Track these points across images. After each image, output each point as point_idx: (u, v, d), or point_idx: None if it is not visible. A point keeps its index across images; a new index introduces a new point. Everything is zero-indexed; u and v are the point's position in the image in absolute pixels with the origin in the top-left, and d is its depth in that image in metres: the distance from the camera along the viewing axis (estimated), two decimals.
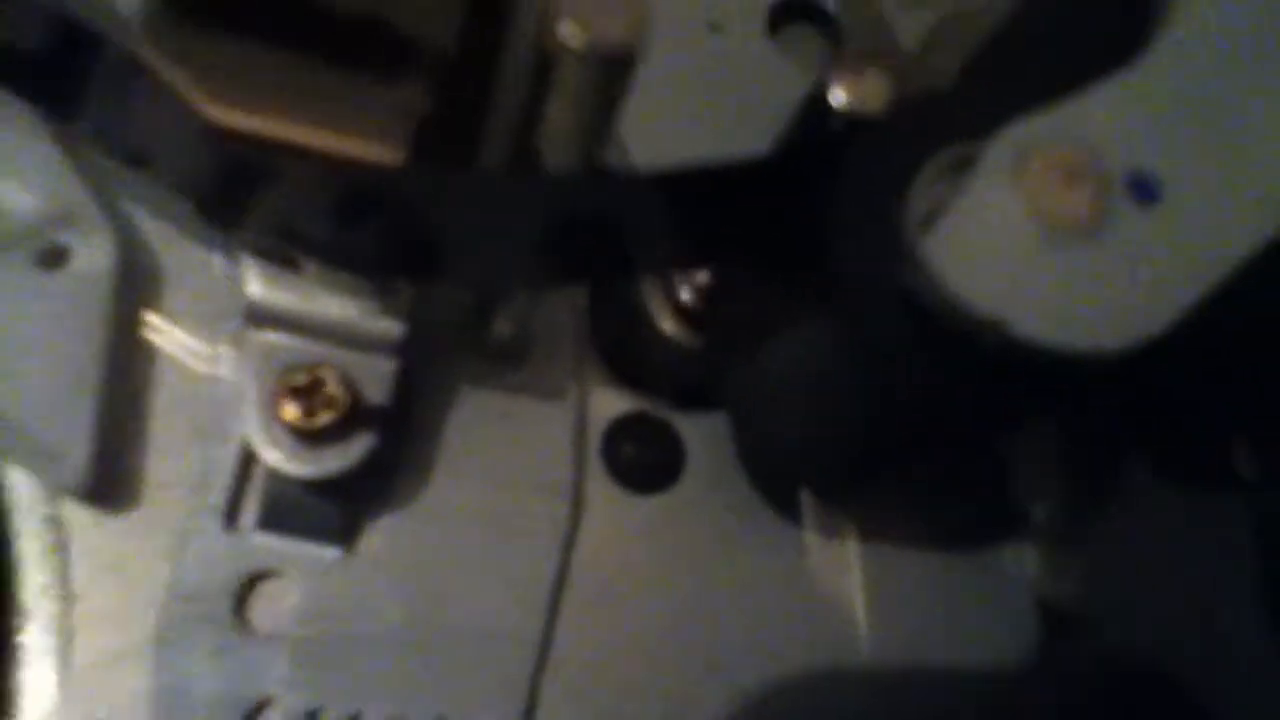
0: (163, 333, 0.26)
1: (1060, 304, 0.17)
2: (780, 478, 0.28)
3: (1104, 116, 0.18)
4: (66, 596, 0.25)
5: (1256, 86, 0.18)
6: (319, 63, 0.17)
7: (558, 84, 0.17)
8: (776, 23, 0.30)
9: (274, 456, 0.23)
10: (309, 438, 0.23)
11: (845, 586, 0.28)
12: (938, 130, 0.18)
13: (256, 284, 0.24)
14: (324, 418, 0.23)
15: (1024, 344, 0.17)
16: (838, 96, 0.19)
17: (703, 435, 0.29)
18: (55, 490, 0.25)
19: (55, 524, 0.25)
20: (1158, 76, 0.18)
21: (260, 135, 0.18)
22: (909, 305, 0.17)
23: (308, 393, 0.23)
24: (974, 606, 0.29)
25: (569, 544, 0.27)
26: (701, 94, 0.28)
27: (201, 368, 0.26)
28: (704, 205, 0.21)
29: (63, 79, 0.22)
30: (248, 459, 0.26)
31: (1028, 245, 0.17)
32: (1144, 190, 0.18)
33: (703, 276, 0.26)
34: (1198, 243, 0.17)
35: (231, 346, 0.26)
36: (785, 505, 0.28)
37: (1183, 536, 0.28)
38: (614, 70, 0.16)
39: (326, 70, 0.17)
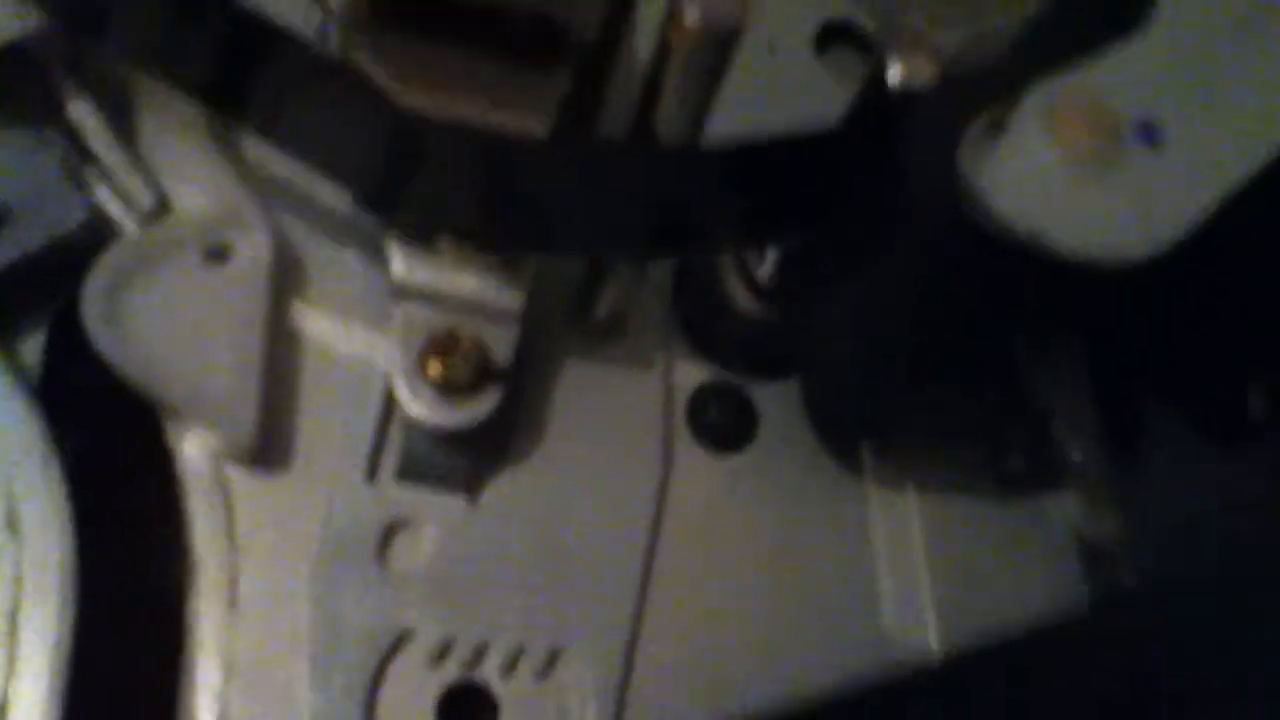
0: (308, 318, 0.31)
1: (1083, 223, 0.21)
2: (844, 431, 0.32)
3: (1115, 75, 0.22)
4: (232, 545, 0.29)
5: (1240, 48, 0.22)
6: (486, 52, 0.21)
7: (674, 60, 0.21)
8: (823, 45, 0.35)
9: (419, 409, 0.27)
10: (448, 392, 0.27)
11: (905, 530, 0.32)
12: (980, 95, 0.23)
13: (401, 263, 0.28)
14: (461, 373, 0.27)
15: (1055, 254, 0.21)
16: (894, 74, 0.24)
17: (776, 401, 0.32)
18: (223, 454, 0.29)
19: (220, 484, 0.29)
20: (1158, 41, 0.22)
21: (433, 113, 0.22)
22: (964, 229, 0.21)
23: (447, 352, 0.27)
24: (1022, 547, 0.32)
25: (662, 496, 0.31)
26: (763, 110, 0.33)
27: (341, 347, 0.30)
28: (777, 176, 0.25)
29: (231, 84, 0.26)
30: (384, 421, 0.30)
31: (1057, 177, 0.21)
32: (1148, 134, 0.22)
33: (773, 256, 0.30)
34: (1193, 176, 0.22)
35: (365, 327, 0.30)
36: (850, 459, 0.32)
37: (1210, 478, 0.32)
38: (723, 48, 0.20)
39: (491, 58, 0.21)
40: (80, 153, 0.30)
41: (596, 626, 0.30)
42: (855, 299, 0.26)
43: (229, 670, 0.28)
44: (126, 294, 0.28)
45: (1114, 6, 0.22)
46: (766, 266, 0.30)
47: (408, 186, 0.25)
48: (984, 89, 0.22)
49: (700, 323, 0.32)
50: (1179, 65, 0.22)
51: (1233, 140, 0.22)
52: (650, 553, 0.30)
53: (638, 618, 0.30)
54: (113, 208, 0.30)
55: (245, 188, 0.30)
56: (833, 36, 0.34)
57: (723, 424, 0.32)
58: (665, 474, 0.31)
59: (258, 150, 0.30)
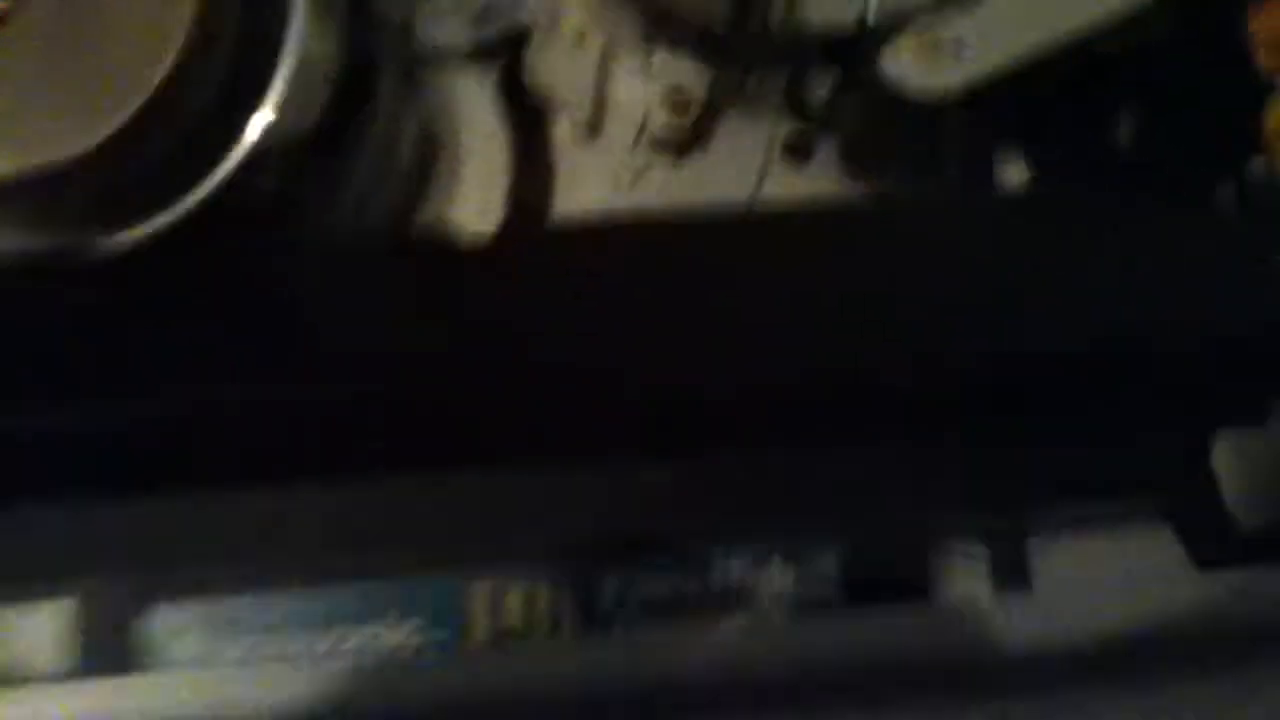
0: (619, 78, 0.67)
1: (920, 80, 0.55)
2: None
3: (951, 21, 0.55)
4: None
5: None
6: None
7: None
8: None
9: (662, 132, 0.64)
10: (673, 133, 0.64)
11: None
12: (896, 27, 0.56)
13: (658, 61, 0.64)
14: (686, 119, 0.64)
15: (909, 92, 0.55)
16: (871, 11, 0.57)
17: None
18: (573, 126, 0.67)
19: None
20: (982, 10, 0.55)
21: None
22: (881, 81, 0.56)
23: (678, 111, 0.64)
24: None
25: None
26: None
27: (626, 94, 0.67)
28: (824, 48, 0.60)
29: None
30: (640, 130, 0.67)
31: (911, 65, 0.55)
32: (959, 47, 0.55)
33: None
34: (974, 66, 0.55)
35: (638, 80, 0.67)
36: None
37: None
38: None
39: None
40: None
41: None
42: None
43: None
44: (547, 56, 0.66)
45: None
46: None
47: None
48: (898, 24, 0.56)
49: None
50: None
51: (996, 47, 0.55)
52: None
53: None
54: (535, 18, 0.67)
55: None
56: None
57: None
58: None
59: None
